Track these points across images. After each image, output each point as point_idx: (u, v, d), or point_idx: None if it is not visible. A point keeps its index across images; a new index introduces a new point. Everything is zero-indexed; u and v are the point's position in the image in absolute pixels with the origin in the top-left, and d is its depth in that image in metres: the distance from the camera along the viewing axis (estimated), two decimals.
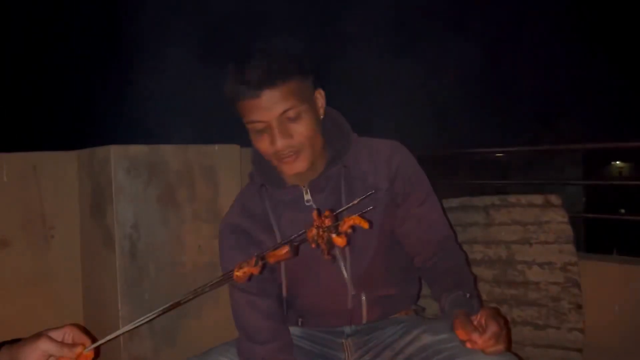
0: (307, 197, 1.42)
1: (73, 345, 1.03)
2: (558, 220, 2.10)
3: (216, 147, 2.08)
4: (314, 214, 1.03)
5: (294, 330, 1.52)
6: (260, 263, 1.03)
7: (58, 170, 1.99)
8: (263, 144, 1.31)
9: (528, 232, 2.14)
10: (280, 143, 1.28)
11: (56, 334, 1.04)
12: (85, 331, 1.08)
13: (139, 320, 1.03)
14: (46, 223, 1.94)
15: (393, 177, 1.45)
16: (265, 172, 1.45)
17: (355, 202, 1.09)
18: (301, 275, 1.46)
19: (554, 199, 2.12)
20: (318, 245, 1.01)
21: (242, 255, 1.34)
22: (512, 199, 2.18)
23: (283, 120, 1.28)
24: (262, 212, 1.45)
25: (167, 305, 1.04)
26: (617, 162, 18.56)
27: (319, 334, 1.51)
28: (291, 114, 1.28)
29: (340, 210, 1.10)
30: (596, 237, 5.50)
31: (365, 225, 1.01)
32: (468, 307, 1.28)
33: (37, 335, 1.02)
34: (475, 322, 1.21)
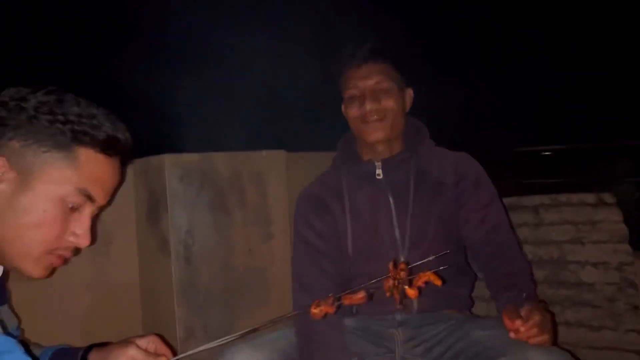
0: (379, 171, 1.60)
1: (157, 355, 1.10)
2: (612, 220, 2.04)
3: (263, 153, 2.13)
4: (390, 264, 1.15)
5: (348, 321, 1.56)
6: (335, 303, 1.11)
7: None
8: (354, 109, 1.57)
9: (580, 232, 2.09)
10: (369, 105, 1.54)
11: (142, 342, 1.12)
12: (166, 342, 1.15)
13: (220, 340, 1.09)
14: (106, 229, 2.03)
15: (459, 177, 1.58)
16: (346, 152, 1.69)
17: (432, 257, 1.19)
18: (362, 257, 1.57)
19: (608, 197, 2.07)
20: (392, 294, 1.09)
21: (316, 220, 1.63)
22: (562, 198, 2.14)
23: (375, 89, 1.55)
24: (336, 184, 1.66)
25: (246, 330, 1.13)
26: None
27: (372, 325, 1.55)
28: (383, 85, 1.55)
29: (414, 264, 1.18)
30: None
31: (439, 283, 1.11)
32: (522, 304, 1.29)
33: (126, 342, 1.10)
34: (522, 314, 1.24)
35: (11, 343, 0.81)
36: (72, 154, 0.98)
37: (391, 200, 1.57)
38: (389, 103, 1.56)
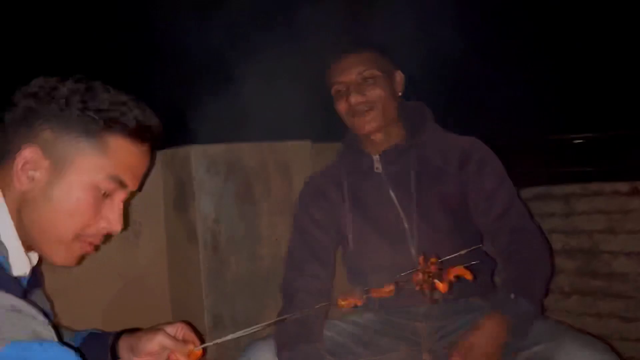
0: (377, 165, 1.58)
1: (185, 342, 1.11)
2: None
3: (289, 143, 2.13)
4: (421, 258, 1.14)
5: (369, 315, 1.55)
6: (364, 296, 1.12)
7: None
8: (342, 104, 1.55)
9: (612, 221, 2.04)
10: (353, 99, 1.51)
11: (170, 329, 1.13)
12: (194, 329, 1.16)
13: (246, 330, 1.11)
14: (135, 219, 2.06)
15: (462, 163, 1.54)
16: (348, 144, 1.68)
17: (463, 252, 1.18)
18: (367, 250, 1.56)
19: None
20: (422, 289, 1.09)
21: (314, 208, 1.65)
22: (594, 187, 2.10)
23: (359, 80, 1.51)
24: (337, 176, 1.65)
25: (271, 320, 1.14)
26: None
27: (395, 318, 1.53)
28: (367, 74, 1.51)
29: (445, 258, 1.18)
30: None
31: (469, 277, 1.11)
32: (506, 309, 1.30)
33: (155, 329, 1.12)
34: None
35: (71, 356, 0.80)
36: (103, 141, 0.99)
37: (392, 193, 1.55)
38: (375, 92, 1.52)
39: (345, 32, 1.62)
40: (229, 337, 1.10)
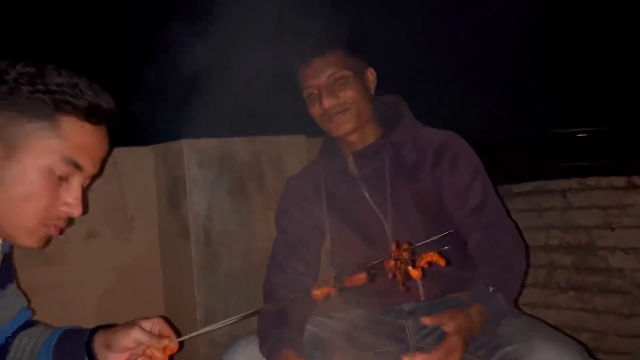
0: (351, 166, 1.57)
1: (160, 336, 1.09)
2: None
3: (283, 138, 2.12)
4: (393, 245, 1.12)
5: (356, 311, 1.54)
6: (338, 285, 1.11)
7: (136, 165, 2.09)
8: (315, 108, 1.52)
9: (609, 216, 2.03)
10: (327, 102, 1.48)
11: (146, 324, 1.11)
12: (171, 324, 1.14)
13: (221, 322, 1.09)
14: (128, 215, 2.05)
15: (438, 156, 1.51)
16: (327, 145, 1.67)
17: (435, 237, 1.17)
18: (351, 249, 1.54)
19: (638, 180, 1.99)
20: (394, 276, 1.07)
21: (293, 208, 1.63)
22: (591, 181, 2.08)
23: (330, 83, 1.48)
24: (317, 178, 1.63)
25: (251, 311, 1.12)
26: None
27: (380, 316, 1.52)
28: (337, 75, 1.48)
29: (417, 245, 1.16)
30: None
31: (442, 263, 1.09)
32: (486, 302, 1.28)
33: (130, 324, 1.10)
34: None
35: None
36: (55, 123, 0.98)
37: (367, 195, 1.53)
38: (348, 93, 1.48)
39: (310, 31, 1.54)
40: (203, 330, 1.08)
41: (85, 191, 1.08)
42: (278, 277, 1.54)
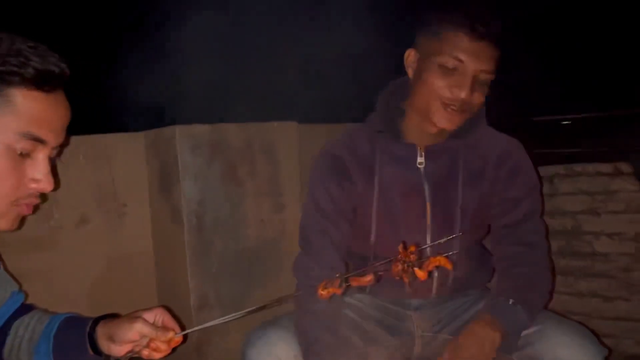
0: (421, 159, 1.42)
1: (165, 329, 1.07)
2: (629, 189, 2.01)
3: (275, 124, 2.12)
4: (400, 247, 1.07)
5: (363, 298, 1.54)
6: (344, 285, 1.07)
7: (127, 151, 2.08)
8: (443, 83, 1.30)
9: (595, 202, 2.07)
10: (466, 94, 1.29)
11: (149, 316, 1.08)
12: (172, 314, 1.13)
13: (227, 316, 1.07)
14: (119, 201, 2.05)
15: (497, 167, 1.43)
16: (389, 120, 1.46)
17: (442, 241, 1.13)
18: (384, 242, 1.45)
19: (625, 166, 2.03)
20: (401, 278, 1.05)
21: (333, 185, 1.45)
22: (578, 167, 2.11)
23: (478, 77, 1.30)
24: (368, 157, 1.46)
25: (254, 307, 1.08)
26: None
27: (388, 304, 1.52)
28: (488, 76, 1.31)
29: (425, 246, 1.15)
30: None
31: (449, 267, 1.07)
32: (500, 314, 1.27)
33: (134, 316, 1.07)
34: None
35: None
36: (4, 97, 0.91)
37: (426, 190, 1.42)
38: (481, 98, 1.33)
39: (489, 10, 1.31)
40: (210, 323, 1.07)
41: (54, 163, 1.01)
42: (315, 270, 1.40)
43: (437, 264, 1.05)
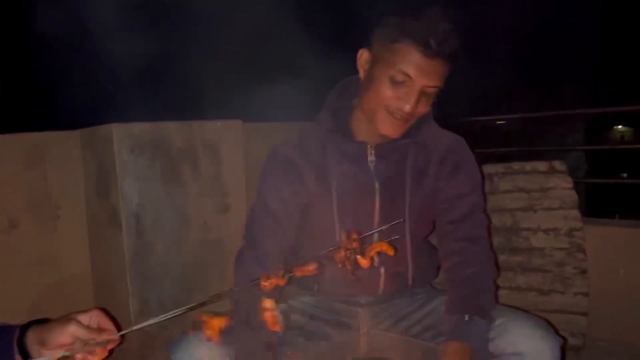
0: (371, 157, 1.44)
1: (100, 330, 1.03)
2: (563, 186, 2.10)
3: (219, 122, 2.07)
4: (343, 235, 1.06)
5: (308, 299, 1.53)
6: (287, 275, 1.05)
7: (62, 150, 1.98)
8: (391, 93, 1.32)
9: (532, 199, 2.14)
10: (411, 107, 1.31)
11: (83, 318, 1.03)
12: (110, 316, 1.08)
13: (163, 315, 1.03)
14: (52, 203, 1.94)
15: (440, 163, 1.46)
16: (338, 121, 1.46)
17: (384, 227, 1.14)
18: (322, 238, 1.44)
19: (558, 165, 2.12)
20: (344, 265, 1.04)
21: (285, 187, 1.43)
22: (515, 166, 2.18)
23: (425, 90, 1.32)
24: (319, 156, 1.46)
25: (193, 304, 1.05)
26: (619, 127, 18.47)
27: (335, 303, 1.52)
28: (434, 90, 1.33)
29: (369, 233, 1.13)
30: (597, 202, 5.50)
31: (391, 253, 1.07)
32: (464, 335, 1.30)
33: (66, 319, 1.02)
34: None
35: None
36: None
37: (377, 187, 1.44)
38: (424, 108, 1.35)
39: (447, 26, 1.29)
40: (143, 324, 1.03)
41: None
42: (258, 273, 1.39)
43: (378, 249, 1.06)
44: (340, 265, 1.06)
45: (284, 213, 1.44)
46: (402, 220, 1.34)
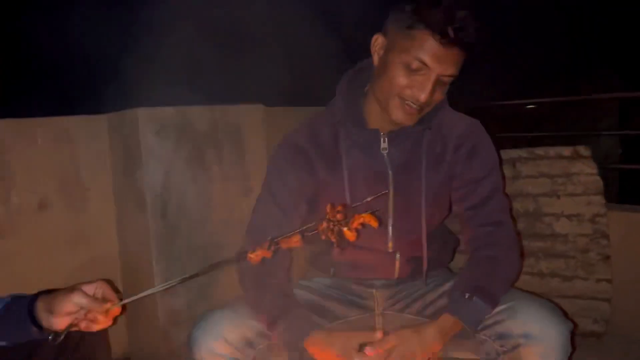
0: (384, 145, 1.42)
1: (103, 300, 1.07)
2: (587, 172, 2.07)
3: (241, 107, 2.10)
4: (328, 207, 1.05)
5: (324, 280, 1.55)
6: (272, 247, 1.05)
7: (90, 134, 2.04)
8: (405, 82, 1.29)
9: (556, 185, 2.12)
10: (426, 96, 1.28)
11: (88, 288, 1.08)
12: (114, 287, 1.13)
13: (160, 285, 1.07)
14: (82, 185, 2.00)
15: (457, 146, 1.43)
16: (350, 108, 1.44)
17: (369, 199, 1.11)
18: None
19: (583, 150, 2.09)
20: (328, 237, 1.04)
21: (293, 177, 1.42)
22: (539, 151, 2.16)
23: (441, 79, 1.29)
24: (331, 147, 1.44)
25: (186, 275, 1.08)
26: None
27: (351, 284, 1.53)
28: (449, 79, 1.30)
29: (357, 204, 1.12)
30: (631, 188, 5.37)
31: (375, 224, 1.04)
32: (458, 311, 1.29)
33: (71, 288, 1.07)
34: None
35: None
36: None
37: (390, 176, 1.42)
38: (439, 97, 1.33)
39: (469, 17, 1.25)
40: (144, 293, 1.07)
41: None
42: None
43: (361, 221, 1.03)
44: (323, 237, 1.05)
45: (290, 203, 1.43)
46: (386, 192, 1.31)
